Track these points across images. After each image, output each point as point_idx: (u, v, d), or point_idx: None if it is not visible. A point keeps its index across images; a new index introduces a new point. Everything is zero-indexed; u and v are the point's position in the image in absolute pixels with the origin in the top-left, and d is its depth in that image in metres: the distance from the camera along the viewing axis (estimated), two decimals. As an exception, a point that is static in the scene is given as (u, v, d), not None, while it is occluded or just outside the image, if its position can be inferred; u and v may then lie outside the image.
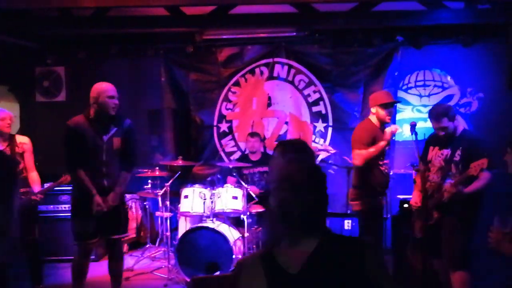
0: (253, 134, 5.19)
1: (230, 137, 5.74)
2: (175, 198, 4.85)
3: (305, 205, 1.37)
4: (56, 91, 5.99)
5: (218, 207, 4.43)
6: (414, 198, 3.53)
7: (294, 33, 5.31)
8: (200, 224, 4.33)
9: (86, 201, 3.35)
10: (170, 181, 4.75)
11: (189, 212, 4.51)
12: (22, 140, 3.95)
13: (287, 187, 1.38)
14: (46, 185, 4.14)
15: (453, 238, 3.26)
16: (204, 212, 4.46)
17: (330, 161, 5.41)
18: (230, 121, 5.73)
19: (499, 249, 2.06)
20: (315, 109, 5.61)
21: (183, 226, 4.75)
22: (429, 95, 5.61)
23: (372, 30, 5.40)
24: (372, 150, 3.49)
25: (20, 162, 3.87)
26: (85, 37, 5.61)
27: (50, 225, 4.80)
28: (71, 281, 3.50)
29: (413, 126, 3.43)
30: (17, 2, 4.41)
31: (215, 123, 5.73)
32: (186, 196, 4.54)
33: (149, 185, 5.02)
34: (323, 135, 5.61)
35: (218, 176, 5.03)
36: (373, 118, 3.65)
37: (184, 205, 4.53)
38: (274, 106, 5.66)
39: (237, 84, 5.69)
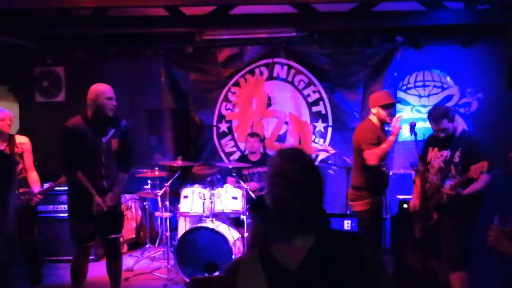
0: (252, 135, 5.20)
1: (229, 137, 5.74)
2: (175, 198, 4.85)
3: (300, 201, 1.36)
4: (55, 91, 5.99)
5: (218, 208, 4.43)
6: (413, 200, 3.54)
7: (294, 33, 5.31)
8: (199, 224, 4.34)
9: (83, 203, 3.35)
10: (170, 181, 4.75)
11: (188, 212, 4.51)
12: (22, 140, 3.95)
13: (283, 183, 1.38)
14: (46, 185, 4.13)
15: (452, 239, 3.26)
16: (203, 212, 4.46)
17: (329, 161, 5.42)
18: (230, 121, 5.73)
19: (498, 247, 2.07)
20: (315, 109, 5.61)
21: (183, 226, 4.75)
22: (428, 96, 5.61)
23: (371, 30, 5.40)
24: (384, 146, 3.47)
25: (20, 162, 3.87)
26: (85, 37, 5.60)
27: (49, 225, 4.79)
28: (71, 281, 3.50)
29: (412, 126, 3.43)
30: (17, 2, 4.41)
31: (214, 123, 5.73)
32: (185, 196, 4.55)
33: (149, 185, 5.02)
34: (323, 135, 5.61)
35: (218, 176, 5.03)
36: (373, 118, 3.65)
37: (184, 205, 4.53)
38: (273, 106, 5.66)
39: (236, 84, 5.69)
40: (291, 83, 5.62)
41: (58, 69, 5.96)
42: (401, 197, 4.42)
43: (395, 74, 5.45)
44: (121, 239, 5.27)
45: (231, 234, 4.26)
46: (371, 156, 3.45)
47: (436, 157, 3.40)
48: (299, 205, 1.36)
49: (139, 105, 5.90)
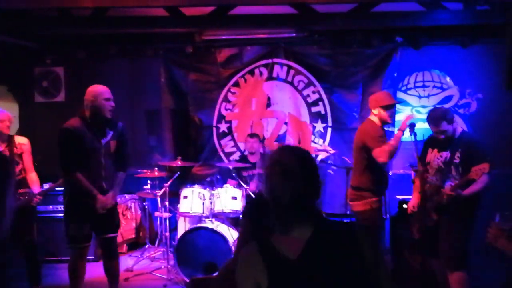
0: (252, 135, 5.20)
1: (229, 137, 5.75)
2: (174, 198, 4.85)
3: (296, 190, 1.38)
4: (55, 91, 5.99)
5: (217, 208, 4.44)
6: (413, 201, 3.54)
7: (293, 34, 5.31)
8: (199, 225, 4.34)
9: (79, 205, 3.35)
10: (169, 182, 4.75)
11: (188, 212, 4.51)
12: (21, 141, 3.94)
13: (278, 172, 1.39)
14: (46, 186, 4.13)
15: (451, 239, 3.27)
16: (203, 213, 4.47)
17: (329, 161, 5.42)
18: (230, 122, 5.74)
19: (496, 245, 2.08)
20: (314, 109, 5.62)
21: (182, 226, 4.76)
22: (428, 96, 5.62)
23: (371, 31, 5.40)
24: (393, 142, 3.44)
25: (19, 162, 3.86)
26: (85, 37, 5.60)
27: (49, 225, 4.79)
28: (69, 282, 3.50)
29: (412, 127, 3.44)
30: (17, 2, 4.40)
31: (214, 124, 5.73)
32: (185, 197, 4.55)
33: (148, 186, 5.02)
34: (323, 135, 5.61)
35: (218, 176, 5.03)
36: (374, 119, 3.64)
37: (183, 206, 4.53)
38: (273, 106, 5.67)
39: (236, 84, 5.69)
40: (291, 83, 5.63)
41: (58, 69, 5.96)
42: (400, 197, 4.43)
43: (395, 75, 5.45)
44: (121, 239, 5.32)
45: (230, 234, 4.26)
46: (381, 153, 3.40)
47: (436, 158, 3.41)
48: (295, 194, 1.37)
49: (139, 105, 5.91)
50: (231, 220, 4.67)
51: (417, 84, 5.65)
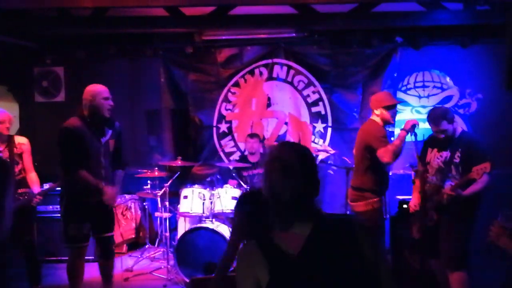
0: (252, 135, 5.20)
1: (229, 137, 5.75)
2: (175, 198, 4.85)
3: (296, 187, 1.38)
4: (55, 91, 5.98)
5: (218, 208, 4.44)
6: (413, 200, 3.54)
7: (294, 34, 5.31)
8: (199, 225, 4.34)
9: (79, 205, 3.35)
10: (170, 182, 4.76)
11: (188, 212, 4.51)
12: (21, 140, 3.94)
13: (278, 169, 1.39)
14: (46, 186, 4.13)
15: (451, 239, 3.27)
16: (203, 213, 4.47)
17: (329, 162, 5.42)
18: (230, 122, 5.74)
19: (498, 243, 2.08)
20: (314, 109, 5.62)
21: (182, 226, 4.76)
22: (428, 96, 5.62)
23: (371, 31, 5.40)
24: (397, 142, 3.43)
25: (19, 162, 3.86)
26: (84, 37, 5.60)
27: (49, 225, 4.78)
28: (68, 282, 3.50)
29: (413, 127, 3.44)
30: (17, 2, 4.40)
31: (214, 124, 5.73)
32: (185, 197, 4.55)
33: (148, 186, 5.02)
34: (323, 136, 5.61)
35: (218, 176, 5.03)
36: (376, 119, 3.62)
37: (184, 206, 4.53)
38: (273, 106, 5.67)
39: (236, 84, 5.69)
40: (291, 83, 5.63)
41: (57, 69, 5.96)
42: (400, 197, 4.42)
43: (395, 75, 5.46)
44: (121, 239, 5.32)
45: (230, 234, 4.26)
46: (386, 153, 3.39)
47: (436, 157, 3.41)
48: (295, 191, 1.37)
49: (139, 105, 5.91)
50: (231, 220, 4.66)
51: (417, 84, 5.65)
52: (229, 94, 5.70)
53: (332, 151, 5.23)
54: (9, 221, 3.31)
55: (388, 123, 3.66)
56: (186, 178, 5.36)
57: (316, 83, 5.58)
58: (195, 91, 5.71)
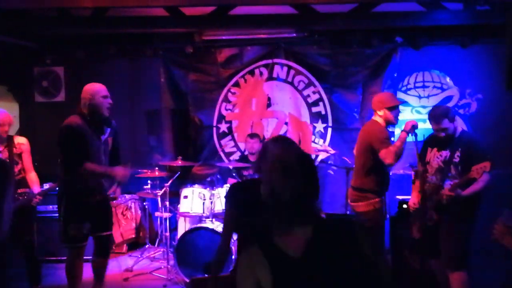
0: (252, 135, 5.20)
1: (229, 137, 5.75)
2: (175, 198, 4.85)
3: (296, 188, 1.38)
4: (55, 91, 5.98)
5: (218, 208, 4.44)
6: (413, 199, 3.54)
7: (294, 34, 5.32)
8: (199, 225, 4.33)
9: (79, 204, 3.35)
10: (170, 182, 4.75)
11: (188, 212, 4.51)
12: (20, 140, 3.93)
13: (279, 170, 1.39)
14: (46, 186, 4.12)
15: (451, 239, 3.27)
16: (203, 213, 4.47)
17: (329, 162, 5.42)
18: (230, 122, 5.74)
19: (502, 242, 2.08)
20: (314, 109, 5.62)
21: (183, 226, 4.76)
22: (428, 96, 5.62)
23: (371, 31, 5.40)
24: (398, 143, 3.42)
25: (18, 162, 3.86)
26: (84, 37, 5.60)
27: (49, 225, 4.78)
28: (67, 282, 3.50)
29: (413, 127, 3.44)
30: (17, 2, 4.40)
31: (214, 124, 5.73)
32: (185, 197, 4.55)
33: (149, 186, 5.02)
34: (323, 136, 5.62)
35: (218, 176, 5.03)
36: (379, 120, 3.60)
37: (184, 206, 4.53)
38: (273, 106, 5.67)
39: (236, 84, 5.69)
40: (291, 83, 5.63)
41: (57, 69, 5.96)
42: (400, 197, 4.42)
43: (395, 75, 5.46)
44: (121, 239, 5.32)
45: (230, 234, 4.26)
46: (388, 154, 3.38)
47: (435, 157, 3.41)
48: (295, 192, 1.38)
49: (139, 105, 5.91)
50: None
51: (417, 84, 5.65)
52: (229, 94, 5.70)
53: (332, 151, 5.24)
54: (8, 221, 3.31)
55: (391, 123, 3.65)
56: (186, 178, 5.36)
57: (316, 83, 5.58)
58: (195, 91, 5.71)
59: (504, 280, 3.68)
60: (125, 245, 5.41)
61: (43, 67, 5.93)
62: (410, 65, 5.58)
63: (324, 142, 5.59)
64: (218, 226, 4.26)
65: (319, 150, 5.40)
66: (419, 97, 5.64)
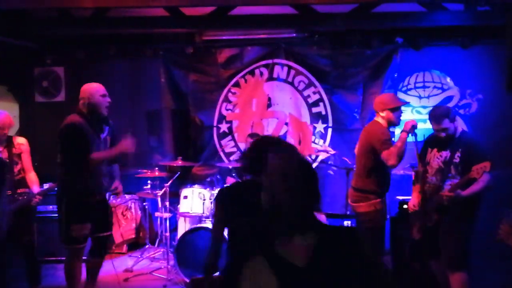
0: (252, 135, 5.18)
1: (230, 137, 5.75)
2: (175, 198, 4.85)
3: (298, 200, 1.38)
4: (55, 91, 5.98)
5: (218, 208, 4.42)
6: (413, 200, 3.53)
7: (294, 34, 5.32)
8: (199, 225, 4.33)
9: (80, 205, 3.35)
10: (170, 182, 4.75)
11: (188, 212, 4.51)
12: (20, 141, 3.93)
13: (280, 182, 1.39)
14: (46, 186, 4.12)
15: (451, 239, 3.27)
16: (203, 213, 4.47)
17: (329, 162, 5.42)
18: (230, 122, 5.74)
19: (507, 242, 2.07)
20: (315, 110, 5.62)
21: (183, 226, 4.75)
22: (428, 97, 5.61)
23: (371, 31, 5.40)
24: (399, 144, 3.41)
25: (18, 163, 3.85)
26: (85, 37, 5.60)
27: (49, 225, 4.77)
28: (65, 282, 3.50)
29: (413, 128, 3.44)
30: (16, 2, 4.40)
31: (215, 124, 5.73)
32: (185, 197, 4.55)
33: (149, 186, 5.02)
34: (323, 136, 5.61)
35: (218, 176, 5.03)
36: (381, 121, 3.60)
37: (184, 206, 4.53)
38: (274, 107, 5.67)
39: (237, 85, 5.69)
40: (291, 84, 5.63)
41: (58, 69, 5.95)
42: (400, 198, 4.42)
43: (395, 75, 5.46)
44: (121, 239, 5.32)
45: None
46: (390, 156, 3.36)
47: (435, 157, 3.41)
48: (297, 203, 1.38)
49: (139, 106, 5.90)
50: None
51: (417, 85, 5.64)
52: (230, 94, 5.70)
53: (333, 152, 5.23)
54: (5, 221, 3.31)
55: (393, 124, 3.65)
56: (186, 178, 5.36)
57: (317, 83, 5.58)
58: (195, 91, 5.71)
59: (504, 280, 3.68)
60: (125, 245, 5.41)
61: (43, 67, 5.92)
62: (410, 65, 5.57)
63: (324, 142, 5.59)
64: (218, 227, 4.25)
65: (319, 151, 5.40)
66: (420, 97, 5.63)
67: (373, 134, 3.54)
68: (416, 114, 5.58)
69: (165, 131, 5.74)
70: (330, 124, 5.60)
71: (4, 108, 3.96)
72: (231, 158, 5.67)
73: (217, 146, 5.75)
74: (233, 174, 4.82)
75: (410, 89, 5.65)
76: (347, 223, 4.49)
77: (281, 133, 5.65)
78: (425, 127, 4.99)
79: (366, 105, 5.45)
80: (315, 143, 5.59)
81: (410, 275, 3.82)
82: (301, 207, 1.38)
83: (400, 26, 5.22)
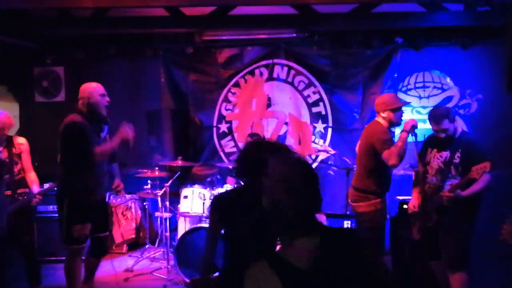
0: (252, 135, 5.18)
1: (229, 137, 5.75)
2: (175, 198, 4.85)
3: (300, 205, 1.38)
4: (55, 91, 5.98)
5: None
6: (413, 201, 3.53)
7: (294, 34, 5.32)
8: (199, 225, 4.33)
9: (81, 205, 3.35)
10: (170, 182, 4.75)
11: (188, 212, 4.51)
12: (20, 140, 3.93)
13: (282, 188, 1.39)
14: (46, 186, 4.12)
15: (451, 239, 3.27)
16: (203, 213, 4.47)
17: (329, 162, 5.43)
18: (230, 122, 5.74)
19: (510, 242, 2.07)
20: (315, 109, 5.62)
21: (183, 226, 4.76)
22: (428, 97, 5.62)
23: (371, 31, 5.41)
24: (399, 144, 3.40)
25: (18, 162, 3.85)
26: (85, 37, 5.60)
27: (49, 225, 4.77)
28: (65, 282, 3.51)
29: (413, 128, 3.44)
30: (16, 2, 4.40)
31: (215, 124, 5.74)
32: (185, 197, 4.55)
33: (149, 186, 5.02)
34: (323, 136, 5.62)
35: (218, 176, 5.03)
36: (382, 121, 3.59)
37: (184, 206, 4.53)
38: (273, 107, 5.67)
39: (236, 85, 5.69)
40: (291, 84, 5.63)
41: (58, 69, 5.95)
42: (400, 198, 4.42)
43: (395, 75, 5.47)
44: (121, 239, 5.32)
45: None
46: (390, 156, 3.36)
47: (435, 158, 3.41)
48: (298, 208, 1.38)
49: (139, 106, 5.90)
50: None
51: (417, 85, 5.64)
52: (229, 94, 5.70)
53: (333, 152, 5.24)
54: (4, 220, 3.32)
55: (394, 125, 3.64)
56: (186, 178, 5.36)
57: (317, 83, 5.58)
58: (195, 91, 5.71)
59: (504, 280, 3.68)
60: (125, 245, 5.41)
61: (43, 67, 5.93)
62: (410, 65, 5.58)
63: (324, 142, 5.59)
64: (218, 227, 4.26)
65: (319, 151, 5.40)
66: (419, 97, 5.64)
67: (374, 134, 3.54)
68: (416, 114, 5.58)
69: (165, 131, 5.74)
70: (330, 124, 5.60)
71: (4, 108, 3.95)
72: (231, 158, 5.67)
73: (217, 146, 5.75)
74: (233, 174, 4.81)
75: (410, 89, 5.65)
76: (347, 223, 4.50)
77: (281, 133, 5.66)
78: (425, 127, 4.99)
79: (366, 105, 5.46)
80: (315, 143, 5.59)
81: (410, 275, 3.82)
82: (301, 209, 1.38)
83: (400, 26, 5.23)
